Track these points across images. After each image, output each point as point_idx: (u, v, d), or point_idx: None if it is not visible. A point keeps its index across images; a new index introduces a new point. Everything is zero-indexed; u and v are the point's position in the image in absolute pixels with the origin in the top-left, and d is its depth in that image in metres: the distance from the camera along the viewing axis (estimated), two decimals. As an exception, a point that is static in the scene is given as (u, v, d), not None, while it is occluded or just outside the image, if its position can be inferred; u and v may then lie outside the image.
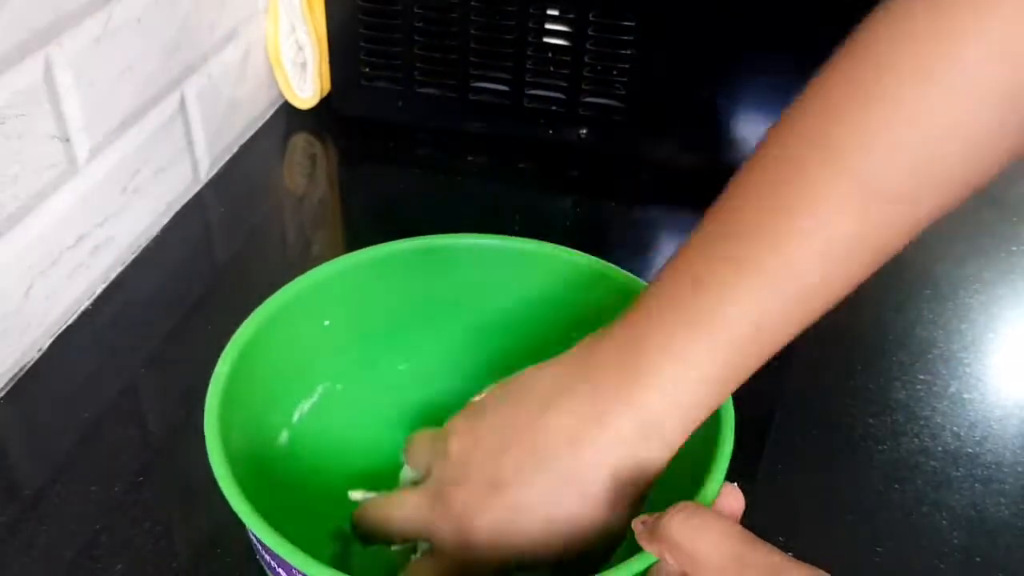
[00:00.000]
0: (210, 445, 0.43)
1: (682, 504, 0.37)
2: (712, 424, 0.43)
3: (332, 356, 0.55)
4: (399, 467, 0.49)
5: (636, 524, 0.38)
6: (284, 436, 0.53)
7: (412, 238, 0.55)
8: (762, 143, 0.41)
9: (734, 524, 0.37)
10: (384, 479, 0.50)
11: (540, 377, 0.45)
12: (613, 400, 0.41)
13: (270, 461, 0.51)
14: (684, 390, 0.41)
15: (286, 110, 0.92)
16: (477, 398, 0.47)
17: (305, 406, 0.54)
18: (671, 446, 0.41)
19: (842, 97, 0.39)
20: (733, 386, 0.42)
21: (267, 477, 0.48)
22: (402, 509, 0.46)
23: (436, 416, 0.50)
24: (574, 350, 0.44)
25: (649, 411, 0.41)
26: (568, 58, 0.82)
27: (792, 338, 0.41)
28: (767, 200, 0.39)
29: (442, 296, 0.56)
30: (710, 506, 0.40)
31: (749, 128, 0.82)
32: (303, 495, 0.51)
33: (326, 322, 0.54)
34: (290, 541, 0.39)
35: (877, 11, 0.39)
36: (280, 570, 0.40)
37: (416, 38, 0.84)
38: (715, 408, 0.42)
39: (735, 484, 0.41)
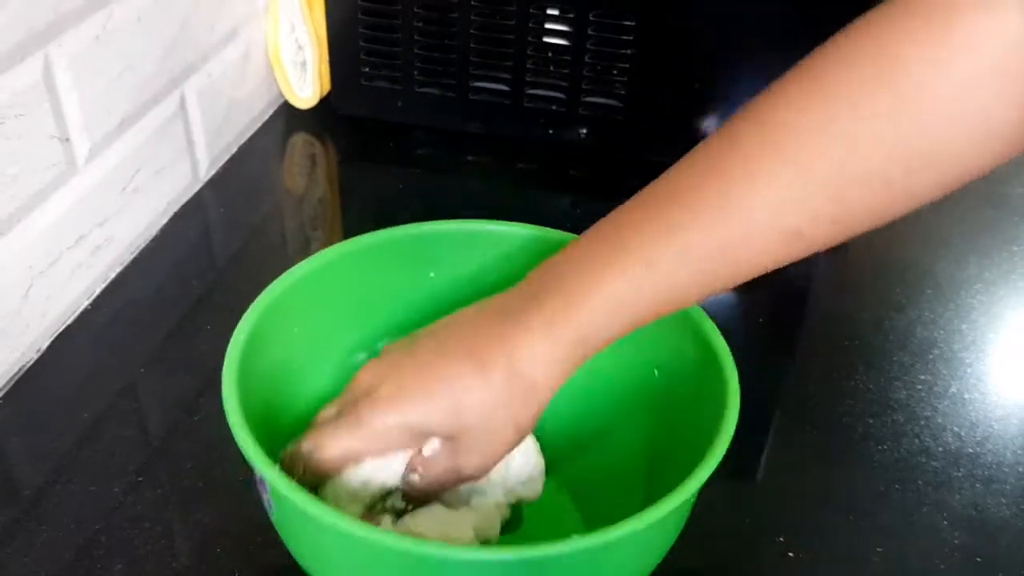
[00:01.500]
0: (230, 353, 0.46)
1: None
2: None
3: (432, 307, 0.56)
4: None
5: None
6: (362, 357, 0.55)
7: (526, 224, 0.56)
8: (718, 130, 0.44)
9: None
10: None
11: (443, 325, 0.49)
12: (525, 315, 0.45)
13: (340, 371, 0.54)
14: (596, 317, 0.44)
15: (286, 110, 0.92)
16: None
17: (392, 342, 0.56)
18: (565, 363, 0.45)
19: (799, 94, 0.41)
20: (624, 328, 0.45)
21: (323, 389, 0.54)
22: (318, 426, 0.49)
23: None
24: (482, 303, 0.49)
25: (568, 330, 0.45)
26: (568, 58, 0.82)
27: (694, 301, 0.46)
28: (705, 177, 0.43)
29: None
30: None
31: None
32: None
33: (431, 274, 0.56)
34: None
35: (854, 23, 0.41)
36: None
37: (416, 38, 0.84)
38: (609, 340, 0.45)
39: None
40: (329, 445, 0.46)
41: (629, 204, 0.46)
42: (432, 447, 0.46)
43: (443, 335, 0.48)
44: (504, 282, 0.56)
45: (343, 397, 0.49)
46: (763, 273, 0.43)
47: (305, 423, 0.53)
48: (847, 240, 0.43)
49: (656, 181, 0.46)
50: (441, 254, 0.57)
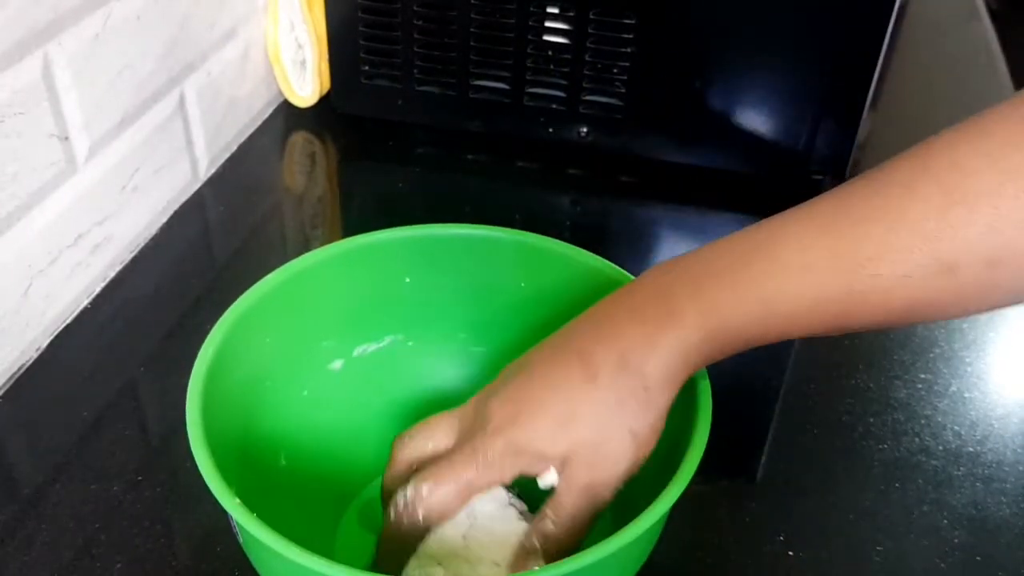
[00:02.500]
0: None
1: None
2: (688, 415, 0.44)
3: (407, 312, 0.57)
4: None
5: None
6: (338, 364, 0.56)
7: (506, 229, 0.56)
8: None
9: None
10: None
11: (552, 345, 0.45)
12: (641, 337, 0.42)
13: (315, 379, 0.55)
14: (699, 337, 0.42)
15: (285, 109, 0.92)
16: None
17: (370, 348, 0.57)
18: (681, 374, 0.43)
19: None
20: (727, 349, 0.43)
21: (303, 393, 0.54)
22: (437, 426, 0.47)
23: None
24: (572, 324, 0.45)
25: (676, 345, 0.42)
26: (568, 56, 0.82)
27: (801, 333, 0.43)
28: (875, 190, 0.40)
29: (498, 283, 0.57)
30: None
31: (748, 128, 0.82)
32: (338, 417, 0.55)
33: (407, 279, 0.56)
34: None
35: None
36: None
37: (416, 36, 0.84)
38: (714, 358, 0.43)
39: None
40: (445, 482, 0.43)
41: (764, 221, 0.42)
42: (548, 478, 0.43)
43: (556, 341, 0.45)
44: (483, 286, 0.56)
45: (457, 419, 0.46)
46: (893, 316, 0.40)
47: (282, 433, 0.52)
48: (998, 303, 0.40)
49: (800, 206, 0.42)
50: (416, 259, 0.56)
